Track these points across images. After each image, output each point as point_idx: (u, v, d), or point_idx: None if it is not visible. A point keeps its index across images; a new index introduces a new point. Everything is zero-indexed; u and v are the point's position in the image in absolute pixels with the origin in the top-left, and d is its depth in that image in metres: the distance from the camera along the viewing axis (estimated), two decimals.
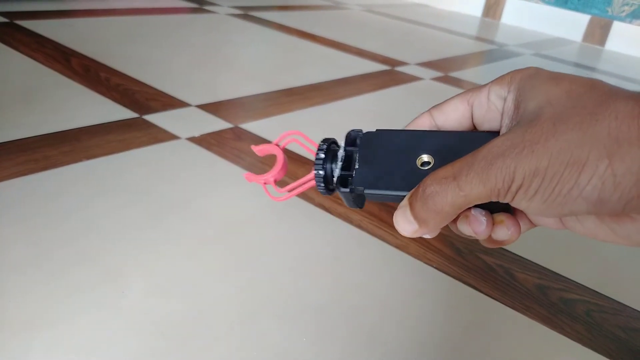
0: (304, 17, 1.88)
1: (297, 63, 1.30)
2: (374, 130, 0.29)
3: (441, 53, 1.66)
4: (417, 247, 0.61)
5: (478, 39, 2.04)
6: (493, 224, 0.25)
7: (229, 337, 0.45)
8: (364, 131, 0.29)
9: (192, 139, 0.79)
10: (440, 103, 0.29)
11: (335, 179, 0.28)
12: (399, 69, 1.38)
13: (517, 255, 0.62)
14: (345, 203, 0.29)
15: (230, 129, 0.84)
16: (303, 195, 0.68)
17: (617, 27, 2.25)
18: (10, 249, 0.51)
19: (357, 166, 0.28)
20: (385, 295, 0.53)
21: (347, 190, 0.27)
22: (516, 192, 0.22)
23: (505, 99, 0.26)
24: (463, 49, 1.81)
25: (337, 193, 0.29)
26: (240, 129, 0.85)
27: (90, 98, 0.88)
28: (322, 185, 0.28)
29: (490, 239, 0.26)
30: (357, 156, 0.28)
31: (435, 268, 0.58)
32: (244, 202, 0.65)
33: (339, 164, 0.28)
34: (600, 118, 0.21)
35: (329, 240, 0.60)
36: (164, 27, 1.44)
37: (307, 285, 0.52)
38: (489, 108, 0.27)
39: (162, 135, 0.78)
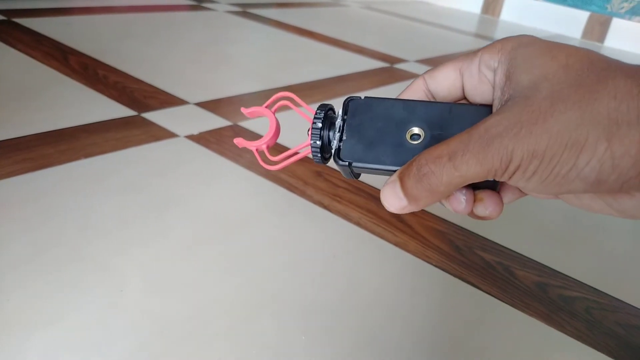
0: (303, 14, 1.87)
1: (295, 60, 1.30)
2: (362, 97, 0.28)
3: (440, 50, 1.66)
4: (415, 245, 0.60)
5: (477, 36, 2.04)
6: (475, 200, 0.25)
7: (227, 335, 0.44)
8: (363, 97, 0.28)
9: (191, 137, 0.78)
10: (434, 68, 0.28)
11: (333, 150, 0.27)
12: (398, 66, 1.37)
13: (517, 252, 0.62)
14: (341, 173, 0.28)
15: (229, 126, 0.84)
16: (302, 193, 0.68)
17: (617, 23, 2.24)
18: (7, 247, 0.50)
19: (344, 137, 0.27)
20: (383, 292, 0.53)
21: (346, 164, 0.26)
22: (514, 173, 0.22)
23: (495, 71, 0.25)
24: (462, 46, 1.81)
25: (331, 162, 0.28)
26: (239, 126, 0.85)
27: (88, 96, 0.88)
28: (318, 156, 0.27)
29: (472, 213, 0.26)
30: (345, 126, 0.27)
31: (435, 265, 0.58)
32: (243, 200, 0.65)
33: (337, 134, 0.27)
34: (599, 97, 0.21)
35: (328, 238, 0.60)
36: (163, 24, 1.44)
37: (305, 283, 0.52)
38: (480, 80, 0.26)
39: (161, 133, 0.78)
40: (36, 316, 0.43)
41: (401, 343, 0.47)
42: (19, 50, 1.05)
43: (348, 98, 0.28)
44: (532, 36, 0.25)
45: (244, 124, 0.86)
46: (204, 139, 0.78)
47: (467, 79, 0.27)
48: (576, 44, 2.16)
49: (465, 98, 0.28)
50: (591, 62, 0.22)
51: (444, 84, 0.28)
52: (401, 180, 0.24)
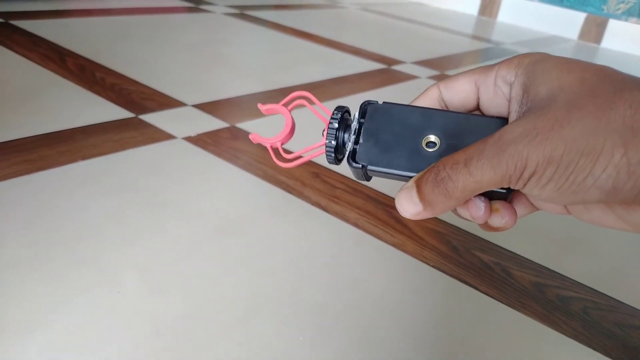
0: (300, 16, 1.88)
1: (293, 62, 1.30)
2: (381, 102, 0.28)
3: (437, 51, 1.66)
4: (413, 245, 0.61)
5: (474, 37, 2.04)
6: (491, 210, 0.25)
7: (224, 336, 0.45)
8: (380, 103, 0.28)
9: (189, 139, 0.78)
10: (450, 78, 0.29)
11: (347, 153, 0.27)
12: (396, 67, 1.38)
13: (514, 252, 0.62)
14: (353, 175, 0.28)
15: (227, 128, 0.84)
16: (299, 194, 0.68)
17: (613, 25, 2.25)
18: (5, 248, 0.50)
19: (361, 140, 0.27)
20: (381, 293, 0.53)
21: (359, 166, 0.27)
22: (528, 179, 0.22)
23: (512, 84, 0.26)
24: (459, 47, 1.81)
25: (344, 162, 0.28)
26: (237, 128, 0.85)
27: (86, 98, 0.88)
28: (332, 156, 0.28)
29: (486, 224, 0.26)
30: (362, 129, 0.28)
31: (432, 266, 0.58)
32: (240, 201, 0.65)
33: (352, 137, 0.27)
34: (614, 106, 0.21)
35: (326, 239, 0.60)
36: (160, 26, 1.44)
37: (303, 283, 0.52)
38: (496, 93, 0.27)
39: (158, 135, 0.78)
40: (33, 316, 0.43)
41: (399, 343, 0.47)
42: (17, 52, 1.05)
43: (366, 102, 0.28)
44: (547, 53, 0.25)
45: (242, 125, 0.86)
46: (202, 140, 0.79)
47: (483, 92, 0.27)
48: (573, 45, 2.18)
49: (479, 110, 0.29)
50: (606, 75, 0.22)
51: (459, 95, 0.28)
52: (418, 186, 0.24)
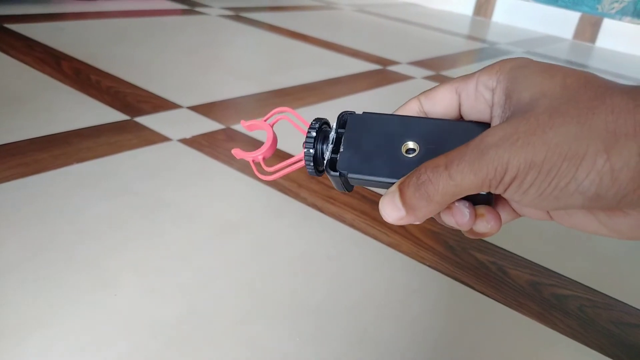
0: (296, 18, 1.88)
1: (289, 63, 1.30)
2: (361, 112, 0.29)
3: (432, 52, 1.66)
4: (410, 246, 0.61)
5: (469, 37, 2.05)
6: (476, 216, 0.25)
7: (222, 338, 0.45)
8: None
9: (184, 141, 0.78)
10: (429, 90, 0.29)
11: (325, 162, 0.28)
12: (391, 68, 1.38)
13: (510, 252, 0.62)
14: (334, 186, 0.29)
15: (222, 130, 0.84)
16: (296, 196, 0.68)
17: (608, 24, 2.26)
18: (2, 251, 0.50)
19: (342, 149, 0.28)
20: (378, 293, 0.53)
21: (337, 174, 0.27)
22: (509, 184, 0.22)
23: (493, 90, 0.25)
24: (454, 47, 1.82)
25: (326, 175, 0.28)
26: (232, 130, 0.85)
27: (81, 101, 0.88)
28: (312, 165, 0.28)
29: (471, 230, 0.26)
30: (343, 138, 0.28)
31: (429, 266, 0.58)
32: (237, 203, 0.65)
33: (330, 146, 0.28)
34: (597, 112, 0.21)
35: (323, 240, 0.60)
36: (155, 29, 1.44)
37: (300, 285, 0.52)
38: (477, 99, 0.27)
39: (154, 137, 0.78)
40: (30, 319, 0.43)
41: (396, 343, 0.47)
42: (11, 56, 1.05)
43: (344, 112, 0.29)
44: (529, 58, 0.25)
45: (237, 127, 0.86)
46: (197, 142, 0.79)
47: (464, 99, 0.27)
48: (568, 44, 2.18)
49: (461, 118, 0.28)
50: (588, 81, 0.22)
51: (440, 104, 0.28)
52: (400, 190, 0.24)
